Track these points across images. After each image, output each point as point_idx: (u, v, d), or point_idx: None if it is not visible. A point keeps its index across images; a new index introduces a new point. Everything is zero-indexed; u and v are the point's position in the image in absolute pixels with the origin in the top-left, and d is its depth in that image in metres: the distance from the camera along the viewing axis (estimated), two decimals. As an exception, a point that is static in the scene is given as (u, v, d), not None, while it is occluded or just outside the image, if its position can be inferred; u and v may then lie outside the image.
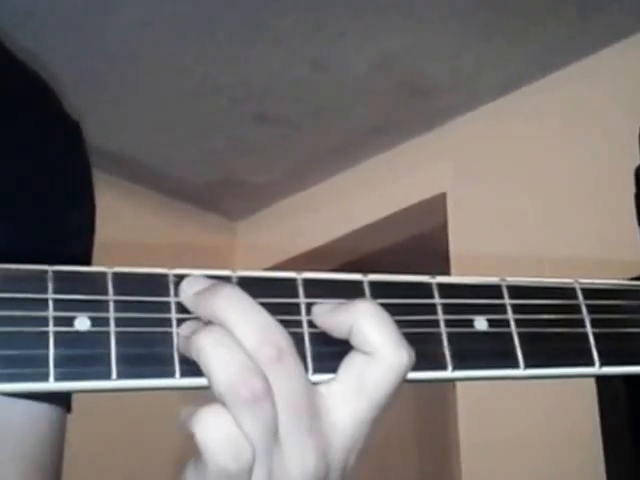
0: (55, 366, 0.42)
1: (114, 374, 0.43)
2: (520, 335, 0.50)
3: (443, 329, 0.48)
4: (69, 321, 0.43)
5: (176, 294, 0.45)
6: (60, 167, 0.67)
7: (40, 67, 0.70)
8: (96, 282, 0.44)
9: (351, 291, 0.48)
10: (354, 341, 0.46)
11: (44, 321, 0.43)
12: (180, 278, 0.46)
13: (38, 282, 0.43)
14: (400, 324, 0.46)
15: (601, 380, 1.82)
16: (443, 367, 0.48)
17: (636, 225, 1.04)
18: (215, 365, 0.43)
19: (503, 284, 0.51)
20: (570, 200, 2.14)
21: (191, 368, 0.44)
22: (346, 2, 2.00)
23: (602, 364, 0.51)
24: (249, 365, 0.43)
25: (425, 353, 0.47)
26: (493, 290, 0.51)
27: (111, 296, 0.44)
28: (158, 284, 0.45)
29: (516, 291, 0.51)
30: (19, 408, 0.60)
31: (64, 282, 0.44)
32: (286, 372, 0.43)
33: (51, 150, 0.67)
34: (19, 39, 0.91)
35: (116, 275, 0.45)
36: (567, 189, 2.16)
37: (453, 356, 0.48)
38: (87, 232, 0.68)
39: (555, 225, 2.14)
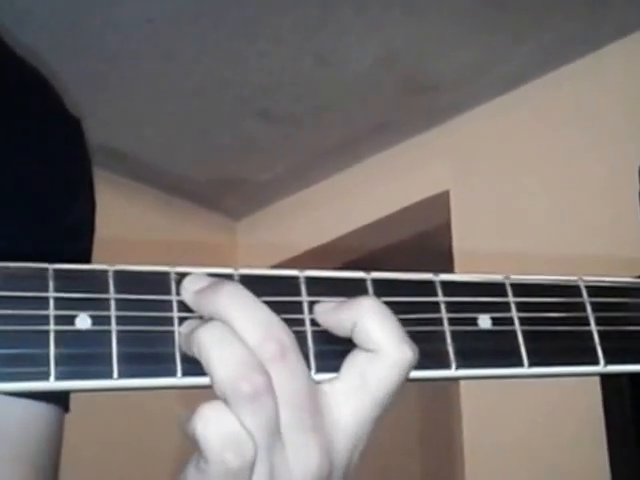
0: (56, 365, 0.42)
1: (115, 373, 0.43)
2: (524, 333, 0.49)
3: (447, 327, 0.48)
4: (70, 320, 0.43)
5: (178, 292, 0.45)
6: (60, 164, 0.67)
7: (40, 64, 0.70)
8: (97, 280, 0.44)
9: (354, 289, 0.48)
10: (357, 339, 0.45)
11: (45, 320, 0.43)
12: (182, 276, 0.46)
13: (39, 280, 0.43)
14: (403, 322, 0.46)
15: (606, 379, 1.81)
16: (447, 366, 0.48)
17: (640, 222, 1.04)
18: (216, 360, 0.42)
19: (507, 282, 0.51)
20: (575, 197, 2.14)
21: (193, 367, 0.43)
22: (348, -1, 1.99)
23: (607, 362, 0.50)
24: (250, 361, 0.42)
25: (428, 351, 0.47)
26: (497, 288, 0.50)
27: (112, 294, 0.44)
28: (160, 282, 0.45)
29: (520, 289, 0.51)
30: (17, 407, 0.60)
31: (65, 280, 0.44)
32: (289, 369, 0.43)
33: (51, 147, 0.67)
34: (19, 36, 0.91)
35: (117, 273, 0.45)
36: (571, 186, 2.15)
37: (457, 354, 0.48)
38: (88, 229, 0.68)
39: (559, 222, 2.14)
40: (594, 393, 1.88)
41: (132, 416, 2.31)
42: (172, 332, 0.44)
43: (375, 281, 0.48)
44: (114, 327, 0.43)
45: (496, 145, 2.34)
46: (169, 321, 0.45)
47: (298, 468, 0.43)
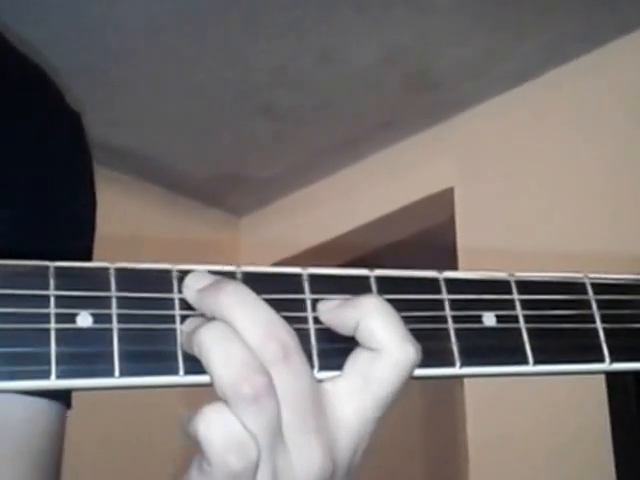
0: (57, 363, 0.42)
1: (117, 371, 0.43)
2: (529, 331, 0.49)
3: (451, 325, 0.48)
4: (71, 318, 0.43)
5: (180, 290, 0.45)
6: (61, 160, 0.66)
7: (42, 61, 0.69)
8: (98, 278, 0.44)
9: (357, 287, 0.47)
10: (360, 337, 0.45)
11: (46, 318, 0.42)
12: (184, 274, 0.45)
13: (39, 278, 0.43)
14: (407, 320, 0.46)
15: (611, 376, 1.81)
16: (451, 363, 0.47)
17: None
18: (217, 361, 0.42)
19: (511, 279, 0.50)
20: (579, 194, 2.13)
21: (195, 365, 0.43)
22: (351, -5, 1.99)
23: (612, 360, 0.50)
24: (251, 361, 0.42)
25: (432, 349, 0.47)
26: (501, 285, 0.50)
27: (114, 292, 0.44)
28: (161, 280, 0.45)
29: (525, 286, 0.50)
30: (18, 404, 0.60)
31: (66, 278, 0.43)
32: (290, 369, 0.43)
33: (52, 142, 0.66)
34: (20, 32, 0.91)
35: (119, 271, 0.44)
36: (575, 183, 2.15)
37: (461, 352, 0.47)
38: (88, 227, 0.68)
39: (564, 219, 2.13)
40: (599, 390, 1.88)
41: (132, 416, 2.31)
42: (174, 330, 0.44)
43: (379, 279, 0.48)
44: (115, 325, 0.43)
45: (500, 142, 2.34)
46: (171, 319, 0.44)
47: (301, 468, 0.43)
